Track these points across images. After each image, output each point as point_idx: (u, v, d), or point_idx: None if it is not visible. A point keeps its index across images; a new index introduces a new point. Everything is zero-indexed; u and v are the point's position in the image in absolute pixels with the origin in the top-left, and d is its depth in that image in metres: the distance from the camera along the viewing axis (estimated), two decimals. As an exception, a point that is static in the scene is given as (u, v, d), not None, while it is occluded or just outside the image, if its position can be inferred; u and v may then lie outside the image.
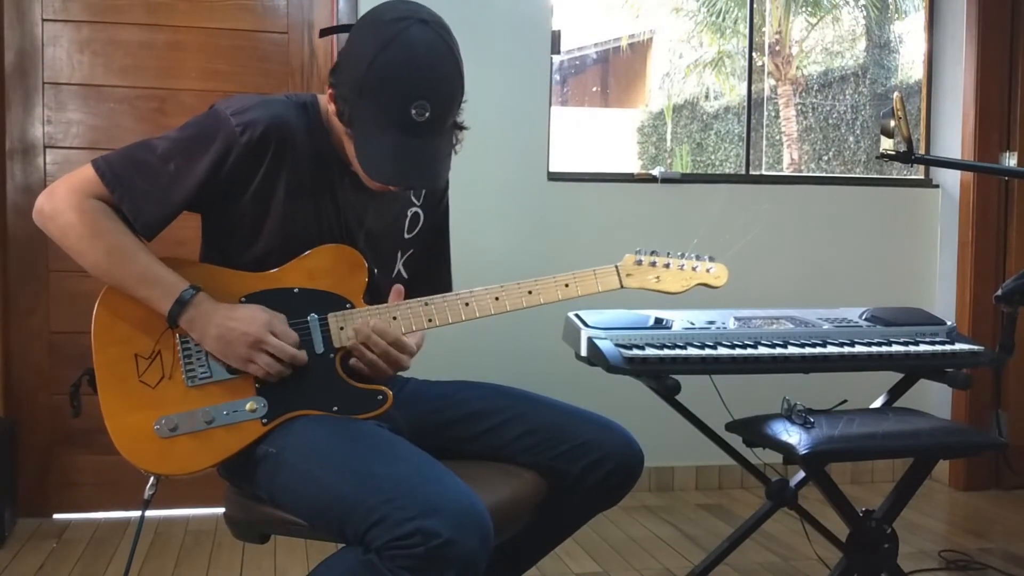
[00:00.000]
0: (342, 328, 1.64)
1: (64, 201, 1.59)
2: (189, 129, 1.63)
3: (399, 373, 1.82)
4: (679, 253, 1.81)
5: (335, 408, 1.62)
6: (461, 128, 1.65)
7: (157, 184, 1.60)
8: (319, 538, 1.57)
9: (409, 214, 1.82)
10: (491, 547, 1.42)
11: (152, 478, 1.61)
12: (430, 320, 1.67)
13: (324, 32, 1.79)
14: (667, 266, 1.78)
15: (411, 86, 1.52)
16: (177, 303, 1.56)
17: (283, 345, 1.58)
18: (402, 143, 1.54)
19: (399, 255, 1.82)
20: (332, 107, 1.60)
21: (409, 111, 1.52)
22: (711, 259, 1.81)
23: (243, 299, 1.63)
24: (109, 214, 1.59)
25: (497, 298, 1.70)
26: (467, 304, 1.69)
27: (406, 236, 1.83)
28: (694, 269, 1.79)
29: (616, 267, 1.76)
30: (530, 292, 1.71)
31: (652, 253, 1.79)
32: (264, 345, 1.56)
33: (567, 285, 1.72)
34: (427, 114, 1.52)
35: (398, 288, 1.69)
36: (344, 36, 1.62)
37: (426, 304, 1.67)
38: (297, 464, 1.52)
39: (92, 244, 1.58)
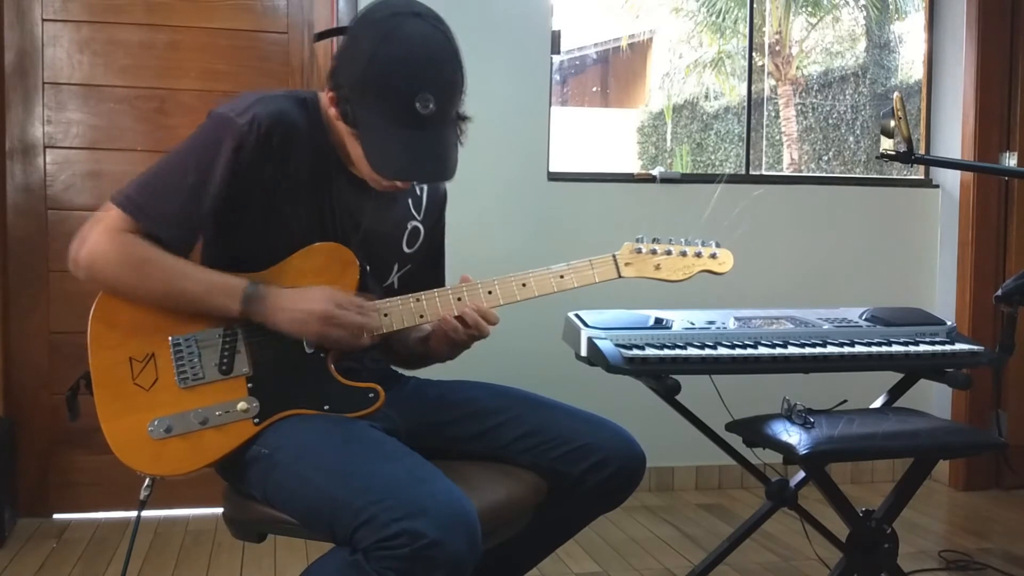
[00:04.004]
0: None
1: (99, 244, 1.59)
2: (195, 140, 1.62)
3: (400, 373, 1.81)
4: (681, 239, 1.76)
5: (327, 407, 1.61)
6: (464, 119, 1.64)
7: (179, 202, 1.59)
8: (313, 538, 1.57)
9: (409, 227, 1.81)
10: (479, 549, 1.41)
11: (147, 479, 1.61)
12: (421, 316, 1.67)
13: (320, 36, 1.78)
14: (668, 253, 1.74)
15: (413, 80, 1.52)
16: (244, 302, 1.58)
17: (348, 314, 1.58)
18: (412, 137, 1.54)
19: (395, 267, 1.80)
20: (333, 110, 1.59)
21: (414, 105, 1.52)
22: (717, 244, 1.77)
23: None
24: (144, 245, 1.59)
25: (490, 292, 1.69)
26: (459, 299, 1.68)
27: (406, 250, 1.81)
28: (697, 255, 1.75)
29: (613, 256, 1.73)
30: (524, 284, 1.69)
31: (653, 240, 1.74)
32: (333, 319, 1.57)
33: (562, 276, 1.70)
34: (431, 106, 1.52)
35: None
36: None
37: (417, 300, 1.67)
38: (289, 464, 1.52)
39: (141, 278, 1.59)
